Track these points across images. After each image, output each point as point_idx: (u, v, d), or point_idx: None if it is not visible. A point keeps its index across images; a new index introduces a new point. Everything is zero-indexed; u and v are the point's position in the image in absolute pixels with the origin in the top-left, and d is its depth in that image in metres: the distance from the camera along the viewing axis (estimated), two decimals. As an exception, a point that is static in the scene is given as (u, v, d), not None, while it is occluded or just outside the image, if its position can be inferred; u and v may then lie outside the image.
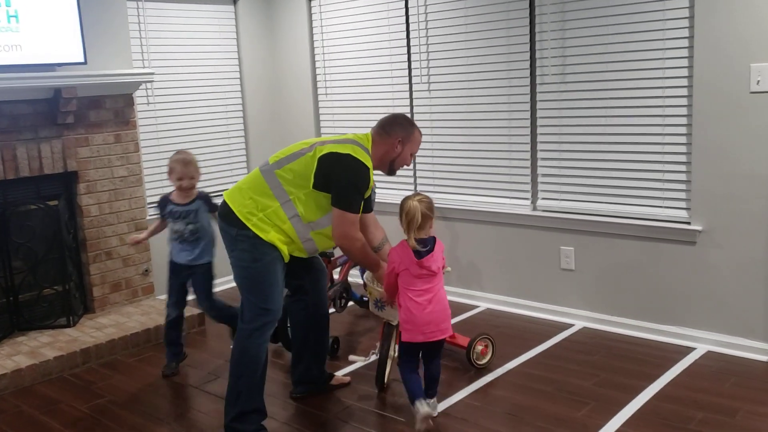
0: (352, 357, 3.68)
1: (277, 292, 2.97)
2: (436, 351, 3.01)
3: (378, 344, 3.43)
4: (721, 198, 3.57)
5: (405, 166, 3.19)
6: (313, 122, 5.34)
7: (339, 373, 3.54)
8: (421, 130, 3.23)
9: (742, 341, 3.60)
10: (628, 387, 3.30)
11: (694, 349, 3.69)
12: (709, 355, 3.62)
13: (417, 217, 2.86)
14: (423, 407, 2.89)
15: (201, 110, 5.11)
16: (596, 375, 3.45)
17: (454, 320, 4.01)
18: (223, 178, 5.29)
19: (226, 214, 2.99)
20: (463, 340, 3.63)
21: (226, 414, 2.98)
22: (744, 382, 3.30)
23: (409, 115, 4.56)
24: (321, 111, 5.34)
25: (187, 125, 5.04)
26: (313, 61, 5.30)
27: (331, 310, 3.89)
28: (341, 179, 2.90)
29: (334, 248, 3.25)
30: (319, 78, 5.29)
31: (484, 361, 3.62)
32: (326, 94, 5.27)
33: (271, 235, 2.92)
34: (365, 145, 3.02)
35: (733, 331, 3.63)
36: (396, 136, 3.07)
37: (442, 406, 3.20)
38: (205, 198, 3.72)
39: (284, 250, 2.96)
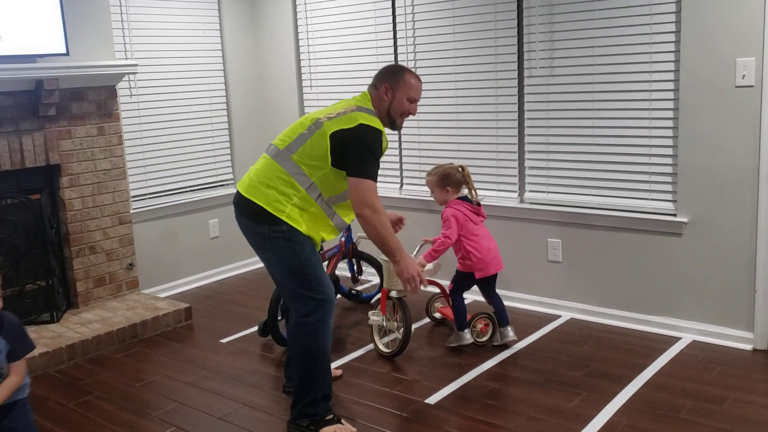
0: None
1: (325, 276, 2.89)
2: (494, 281, 3.73)
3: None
4: (707, 190, 3.62)
5: (410, 115, 3.03)
6: (298, 115, 5.31)
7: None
8: (416, 74, 3.04)
9: (727, 330, 3.67)
10: (618, 377, 3.34)
11: (680, 338, 3.75)
12: (694, 344, 3.68)
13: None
14: (508, 333, 3.71)
15: (184, 102, 5.06)
16: (586, 365, 3.49)
17: (445, 311, 4.03)
18: (207, 171, 5.25)
19: (251, 210, 2.85)
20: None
21: (298, 402, 2.95)
22: (730, 370, 3.37)
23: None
24: (306, 104, 5.31)
25: (171, 117, 4.98)
26: (298, 53, 5.26)
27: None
28: (356, 147, 2.78)
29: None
30: (303, 70, 5.26)
31: (485, 338, 3.74)
32: (311, 86, 5.24)
33: (305, 227, 2.84)
34: (368, 106, 2.93)
35: (718, 321, 3.70)
36: (383, 84, 2.95)
37: (433, 399, 3.21)
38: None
39: (317, 238, 2.90)
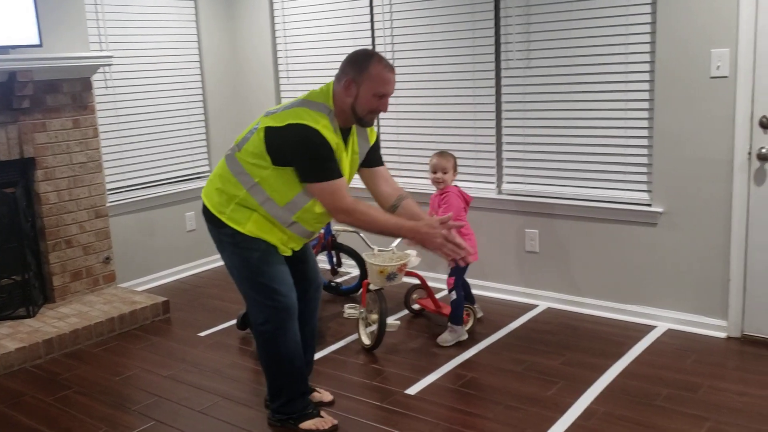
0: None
1: (283, 283, 2.74)
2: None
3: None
4: (681, 181, 3.67)
5: (380, 112, 2.68)
6: (275, 104, 5.28)
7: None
8: (388, 62, 2.67)
9: (701, 319, 3.73)
10: (595, 365, 3.39)
11: (655, 327, 3.81)
12: (670, 332, 3.74)
13: None
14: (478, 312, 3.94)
15: (160, 95, 5.01)
16: (563, 354, 3.53)
17: (423, 303, 4.05)
18: (184, 163, 5.21)
19: (204, 212, 2.80)
20: (446, 308, 3.81)
21: (272, 401, 2.94)
22: (704, 358, 3.43)
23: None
24: (283, 95, 5.28)
25: (147, 110, 4.93)
26: (274, 45, 5.23)
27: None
28: (295, 153, 2.56)
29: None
30: (280, 62, 5.23)
31: (466, 328, 3.77)
32: (288, 77, 5.21)
33: (249, 227, 2.69)
34: (322, 100, 2.64)
35: (692, 310, 3.76)
36: (345, 77, 2.61)
37: (413, 389, 3.23)
38: None
39: (272, 239, 2.73)
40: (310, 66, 5.06)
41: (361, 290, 3.92)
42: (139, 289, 4.81)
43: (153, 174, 5.02)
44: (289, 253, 2.82)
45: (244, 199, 2.69)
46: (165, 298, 4.39)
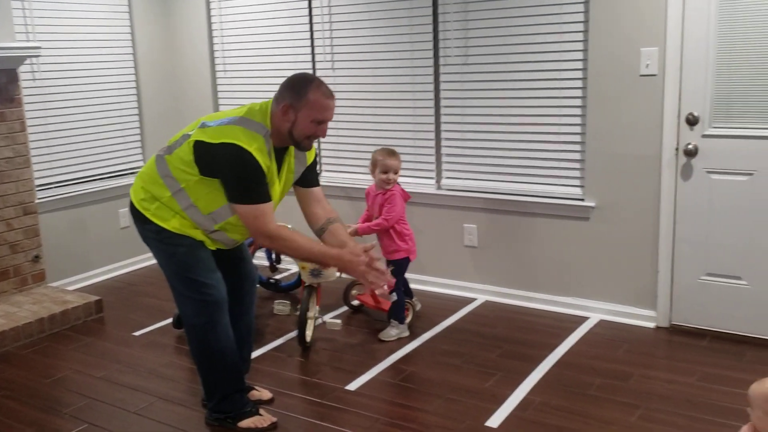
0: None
1: (211, 276, 2.72)
2: None
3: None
4: (612, 176, 3.78)
5: (318, 138, 2.68)
6: (212, 99, 5.20)
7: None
8: (327, 88, 2.64)
9: (631, 310, 3.85)
10: (531, 357, 3.46)
11: (588, 318, 3.91)
12: (602, 323, 3.85)
13: None
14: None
15: (92, 87, 4.85)
16: (500, 346, 3.60)
17: (363, 299, 4.06)
18: (116, 158, 5.07)
19: (131, 208, 2.80)
20: (386, 304, 3.81)
21: (208, 400, 2.89)
22: (635, 348, 3.54)
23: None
24: (219, 89, 5.19)
25: (78, 103, 4.77)
26: (211, 38, 5.13)
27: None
28: (224, 173, 2.55)
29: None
30: (217, 55, 5.14)
31: (406, 322, 3.80)
32: (225, 71, 5.13)
33: (174, 222, 2.68)
34: (259, 119, 2.61)
35: (623, 301, 3.88)
36: (282, 102, 2.59)
37: (353, 385, 3.24)
38: None
39: (197, 235, 2.72)
40: (247, 62, 4.99)
41: (300, 287, 3.90)
42: (71, 288, 4.66)
43: (84, 169, 4.87)
44: (212, 247, 2.80)
45: (168, 201, 2.71)
46: (98, 297, 4.27)
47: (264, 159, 2.57)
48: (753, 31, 3.31)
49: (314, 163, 2.92)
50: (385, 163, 3.71)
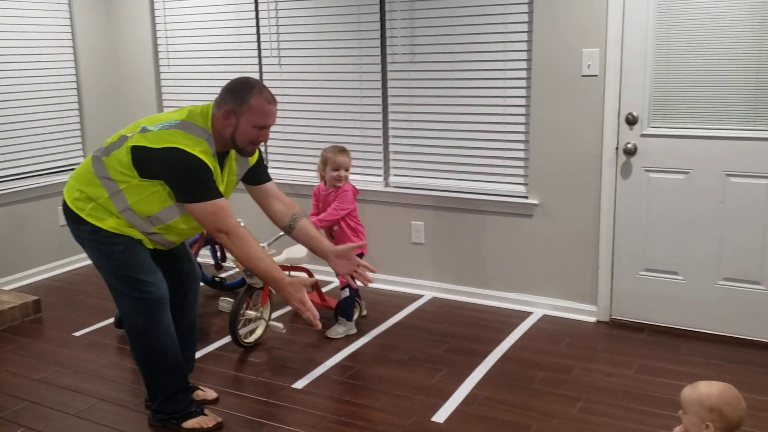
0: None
1: (151, 273, 2.69)
2: None
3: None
4: (555, 174, 3.86)
5: (261, 143, 2.70)
6: (155, 95, 5.09)
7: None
8: (269, 94, 2.65)
9: (573, 305, 3.94)
10: (476, 351, 3.51)
11: (531, 313, 3.99)
12: (545, 318, 3.93)
13: None
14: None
15: (28, 81, 4.69)
16: (447, 342, 3.64)
17: (309, 296, 4.04)
18: (56, 155, 4.92)
19: (64, 208, 2.73)
20: (332, 302, 3.83)
21: (151, 400, 2.83)
22: (576, 341, 3.63)
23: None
24: (163, 84, 5.09)
25: (14, 96, 4.61)
26: (154, 27, 5.03)
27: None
28: (170, 177, 2.54)
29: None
30: (161, 48, 5.04)
31: (355, 318, 3.81)
32: (168, 65, 5.03)
33: (110, 222, 2.64)
34: (201, 123, 2.60)
35: (565, 296, 3.96)
36: (224, 107, 2.59)
37: (300, 383, 3.23)
38: None
39: (134, 233, 2.68)
40: (192, 56, 4.91)
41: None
42: (7, 288, 4.51)
43: (22, 165, 4.71)
44: (150, 245, 2.76)
45: (105, 203, 2.67)
46: (35, 297, 4.14)
47: (210, 160, 2.57)
48: (689, 33, 3.43)
49: (260, 158, 2.91)
50: (336, 160, 3.69)
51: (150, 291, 2.69)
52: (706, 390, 1.92)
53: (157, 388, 2.83)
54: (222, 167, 2.71)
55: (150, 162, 2.56)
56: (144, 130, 2.61)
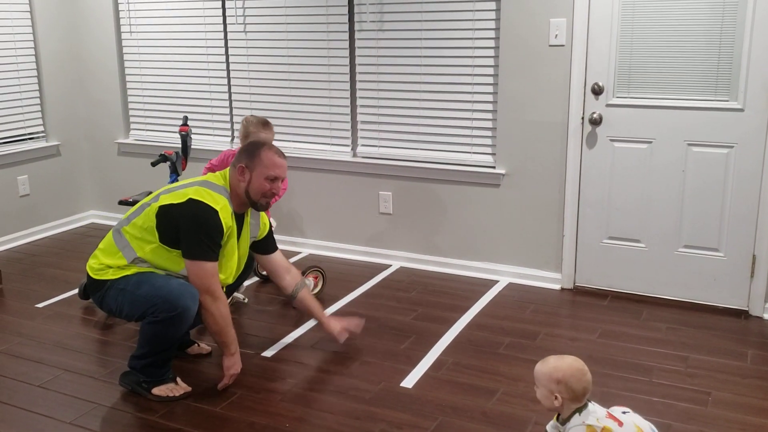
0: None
1: (172, 287, 2.70)
2: None
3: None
4: (522, 144, 3.89)
5: (273, 195, 2.88)
6: (117, 62, 4.98)
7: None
8: (278, 150, 2.89)
9: (538, 273, 4.01)
10: (444, 319, 3.55)
11: (498, 281, 4.04)
12: (511, 286, 3.99)
13: None
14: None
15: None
16: (414, 310, 3.67)
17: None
18: (14, 122, 4.78)
19: (89, 283, 2.85)
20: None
21: (136, 358, 2.86)
22: (541, 308, 3.69)
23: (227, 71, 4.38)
24: (125, 50, 4.97)
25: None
26: (117, 7, 4.91)
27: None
28: (186, 225, 2.69)
29: None
30: (122, 15, 4.92)
31: (316, 291, 3.80)
32: (131, 31, 4.91)
33: (132, 270, 2.77)
34: (220, 183, 2.82)
35: (531, 264, 4.02)
36: (239, 164, 2.83)
37: (270, 352, 3.23)
38: None
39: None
40: (155, 21, 4.79)
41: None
42: (-35, 259, 4.41)
43: (-23, 134, 4.58)
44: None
45: (127, 267, 2.78)
46: (-5, 270, 4.06)
47: (228, 219, 2.76)
48: (654, 5, 3.46)
49: (270, 232, 3.15)
50: (258, 136, 3.53)
51: (180, 304, 2.71)
52: (554, 364, 2.17)
53: (146, 357, 2.84)
54: (240, 227, 2.91)
55: (172, 219, 2.71)
56: (168, 191, 2.80)
